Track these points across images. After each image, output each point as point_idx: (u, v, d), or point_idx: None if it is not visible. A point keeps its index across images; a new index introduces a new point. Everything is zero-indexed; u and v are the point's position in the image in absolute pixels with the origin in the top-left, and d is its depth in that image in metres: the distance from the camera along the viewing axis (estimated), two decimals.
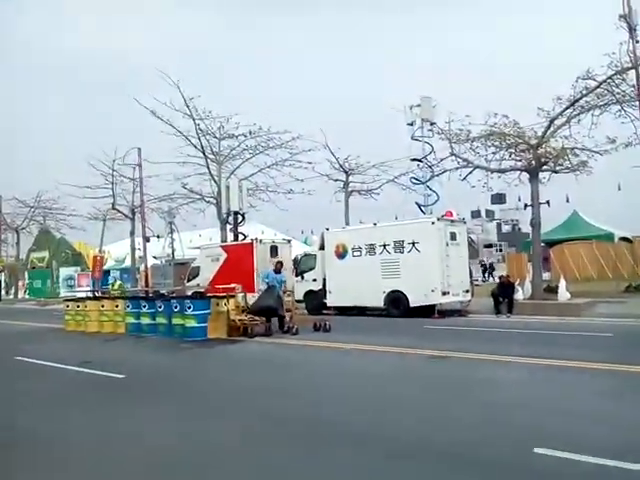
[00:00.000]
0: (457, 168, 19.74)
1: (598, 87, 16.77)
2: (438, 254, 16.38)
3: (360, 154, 26.40)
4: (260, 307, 13.87)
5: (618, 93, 16.75)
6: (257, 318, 13.76)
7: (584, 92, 17.02)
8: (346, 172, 26.47)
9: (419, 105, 24.96)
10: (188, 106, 23.87)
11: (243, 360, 10.73)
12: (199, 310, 13.55)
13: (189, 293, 17.47)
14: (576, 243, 27.91)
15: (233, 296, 14.31)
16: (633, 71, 15.87)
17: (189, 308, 13.58)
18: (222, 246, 21.39)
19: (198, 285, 19.39)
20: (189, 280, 21.90)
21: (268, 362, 10.30)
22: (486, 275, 35.46)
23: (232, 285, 14.76)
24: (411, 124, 25.47)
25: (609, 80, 16.51)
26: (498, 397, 6.65)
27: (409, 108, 25.47)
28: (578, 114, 17.53)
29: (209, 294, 15.03)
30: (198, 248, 22.56)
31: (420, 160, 23.89)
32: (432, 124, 23.42)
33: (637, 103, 15.99)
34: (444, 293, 16.22)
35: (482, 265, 37.31)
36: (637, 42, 15.71)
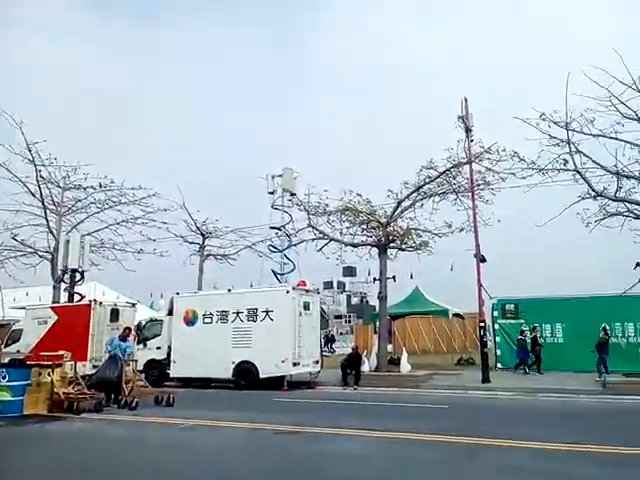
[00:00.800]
0: (313, 239, 20.31)
1: (438, 177, 18.69)
2: (291, 324, 16.22)
3: (221, 217, 26.00)
4: (100, 380, 12.32)
5: (455, 184, 18.83)
6: (87, 391, 12.12)
7: (427, 180, 18.86)
8: (203, 235, 25.76)
9: (281, 175, 25.58)
10: (30, 150, 21.63)
11: (62, 441, 9.14)
12: (16, 381, 11.61)
13: (5, 360, 14.93)
14: (416, 317, 29.92)
15: (60, 365, 12.47)
16: (468, 165, 18.02)
17: (3, 378, 11.56)
18: (52, 307, 18.95)
19: (18, 352, 16.74)
20: (7, 345, 18.83)
21: (93, 443, 8.91)
22: (328, 346, 36.02)
23: (60, 352, 12.91)
24: (272, 193, 25.88)
25: (447, 172, 18.52)
26: (349, 473, 6.42)
27: (271, 177, 25.96)
28: (422, 199, 19.29)
29: (30, 362, 12.94)
30: (23, 308, 19.74)
31: (279, 229, 24.21)
32: (292, 195, 24.05)
33: (470, 194, 18.05)
34: (295, 364, 15.95)
35: (325, 336, 37.96)
36: (472, 141, 17.96)
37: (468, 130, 18.01)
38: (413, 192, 19.15)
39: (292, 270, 23.47)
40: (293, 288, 17.15)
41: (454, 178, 18.87)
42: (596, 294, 19.61)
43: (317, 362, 17.26)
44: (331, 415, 11.34)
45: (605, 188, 16.49)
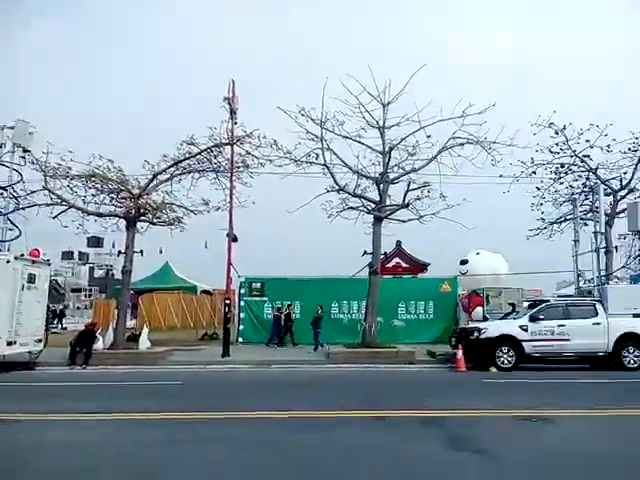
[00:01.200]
0: (49, 204, 17.83)
1: (199, 154, 18.25)
2: (9, 298, 14.01)
3: None
4: None
5: (215, 163, 18.67)
6: None
7: (187, 155, 18.26)
8: None
9: (13, 127, 21.64)
10: None
11: None
12: None
13: None
14: (165, 293, 29.21)
15: None
16: (230, 147, 18.02)
17: None
18: None
19: None
20: None
21: None
22: (56, 322, 32.57)
23: None
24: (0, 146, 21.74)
25: (209, 150, 18.22)
26: (70, 461, 5.89)
27: (0, 128, 21.78)
28: (180, 174, 18.60)
29: None
30: None
31: (4, 189, 20.44)
32: (26, 151, 20.59)
33: (229, 174, 18.13)
34: (10, 343, 13.79)
35: (52, 311, 34.22)
36: (235, 124, 18.00)
37: (233, 112, 18.04)
38: (171, 166, 18.34)
39: (17, 237, 20.08)
40: (15, 258, 14.74)
41: (215, 157, 18.70)
42: (330, 276, 22.17)
43: (40, 340, 15.25)
44: (45, 399, 10.11)
45: (347, 184, 18.51)
